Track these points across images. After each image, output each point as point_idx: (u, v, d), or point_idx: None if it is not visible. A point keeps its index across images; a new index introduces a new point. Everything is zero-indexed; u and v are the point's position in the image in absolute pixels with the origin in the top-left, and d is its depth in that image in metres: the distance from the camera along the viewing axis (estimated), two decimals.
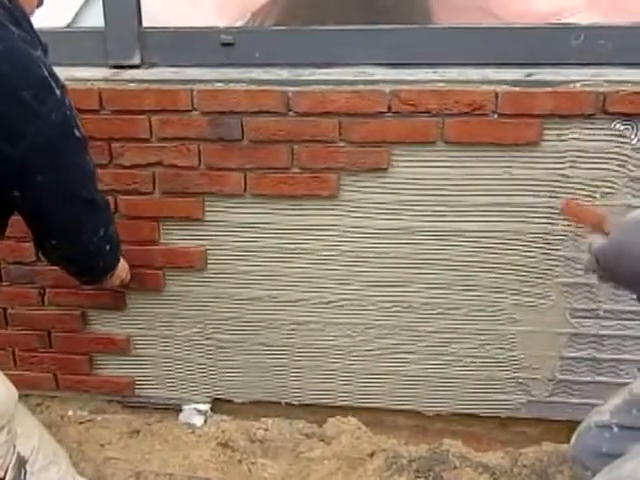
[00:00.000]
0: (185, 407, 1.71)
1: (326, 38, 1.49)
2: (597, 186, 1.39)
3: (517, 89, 1.35)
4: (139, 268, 1.58)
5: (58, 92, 0.99)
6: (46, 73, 0.97)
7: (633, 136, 1.34)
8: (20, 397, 1.75)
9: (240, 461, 1.59)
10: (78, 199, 1.09)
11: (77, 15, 1.61)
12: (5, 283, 1.64)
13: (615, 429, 1.14)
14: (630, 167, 1.37)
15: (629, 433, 1.06)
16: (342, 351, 1.60)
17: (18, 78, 0.94)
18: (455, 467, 1.54)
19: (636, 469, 0.96)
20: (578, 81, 1.33)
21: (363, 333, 1.58)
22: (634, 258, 0.87)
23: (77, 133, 1.04)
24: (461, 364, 1.57)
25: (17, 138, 0.95)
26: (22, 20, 1.00)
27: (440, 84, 1.37)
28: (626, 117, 1.33)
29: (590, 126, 1.35)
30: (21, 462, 1.13)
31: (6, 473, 1.10)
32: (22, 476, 1.13)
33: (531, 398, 1.58)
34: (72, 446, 1.61)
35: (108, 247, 1.21)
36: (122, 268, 1.41)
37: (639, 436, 1.06)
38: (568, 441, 1.28)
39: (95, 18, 1.55)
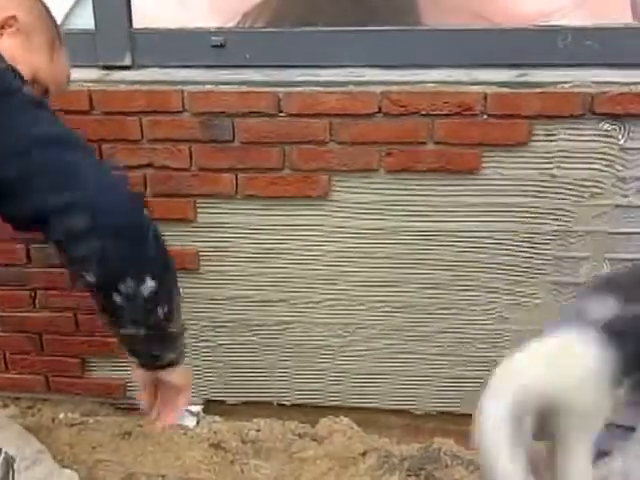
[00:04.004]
0: None
1: (317, 39, 1.49)
2: (585, 186, 1.40)
3: (506, 90, 1.36)
4: None
5: None
6: None
7: (620, 136, 1.36)
8: (11, 400, 1.76)
9: (232, 462, 1.59)
10: (36, 141, 0.78)
11: (67, 16, 1.60)
12: None
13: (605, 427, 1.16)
14: (617, 167, 1.38)
15: (619, 431, 1.08)
16: (334, 351, 1.61)
17: None
18: (446, 465, 1.54)
19: (616, 465, 0.99)
20: (566, 82, 1.35)
21: (354, 333, 1.58)
22: None
23: (14, 86, 0.82)
24: (451, 363, 1.58)
25: None
26: None
27: (430, 85, 1.38)
28: (613, 118, 1.34)
29: (578, 127, 1.36)
30: (8, 462, 1.14)
31: None
32: (10, 476, 1.13)
33: None
34: (64, 449, 1.60)
35: (153, 234, 0.79)
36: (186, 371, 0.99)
37: (629, 435, 1.07)
38: None
39: (85, 19, 1.54)
